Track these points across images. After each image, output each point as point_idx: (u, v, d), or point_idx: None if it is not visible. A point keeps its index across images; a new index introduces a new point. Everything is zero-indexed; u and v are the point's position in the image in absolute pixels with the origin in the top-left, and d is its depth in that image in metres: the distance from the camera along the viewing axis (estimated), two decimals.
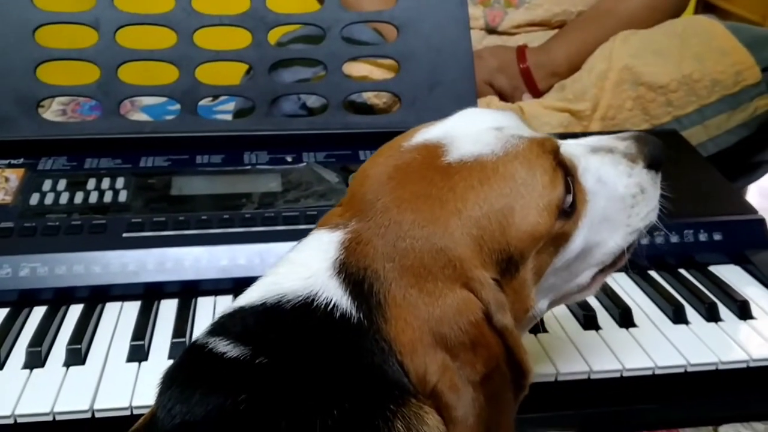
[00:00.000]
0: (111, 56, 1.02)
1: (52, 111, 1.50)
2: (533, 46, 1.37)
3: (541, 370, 0.75)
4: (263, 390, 0.47)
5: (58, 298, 0.81)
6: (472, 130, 0.56)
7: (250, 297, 0.53)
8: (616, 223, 0.61)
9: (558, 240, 0.56)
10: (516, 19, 1.41)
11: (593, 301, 0.85)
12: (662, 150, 0.65)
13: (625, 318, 0.82)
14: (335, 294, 0.51)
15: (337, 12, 1.07)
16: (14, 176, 0.94)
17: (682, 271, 0.93)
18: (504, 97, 1.33)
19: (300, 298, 0.51)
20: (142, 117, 1.50)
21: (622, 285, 0.90)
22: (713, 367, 0.76)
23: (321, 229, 0.55)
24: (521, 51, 1.35)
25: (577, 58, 1.33)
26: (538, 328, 0.80)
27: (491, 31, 1.43)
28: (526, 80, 1.35)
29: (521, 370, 0.54)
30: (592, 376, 0.75)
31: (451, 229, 0.51)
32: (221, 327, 0.52)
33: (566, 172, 0.57)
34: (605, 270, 0.64)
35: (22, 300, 0.81)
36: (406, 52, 1.08)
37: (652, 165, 0.63)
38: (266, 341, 0.49)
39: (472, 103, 1.08)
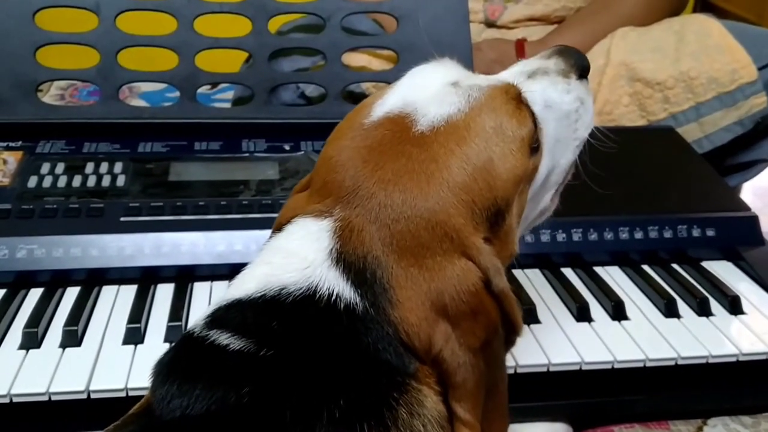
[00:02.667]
0: (111, 41, 1.02)
1: (51, 95, 1.49)
2: (532, 40, 1.38)
3: (533, 361, 0.75)
4: (269, 382, 0.47)
5: (55, 280, 0.82)
6: (430, 92, 0.56)
7: (246, 289, 0.52)
8: (565, 141, 0.63)
9: (531, 175, 0.58)
10: (515, 13, 1.42)
11: (586, 294, 0.86)
12: (585, 56, 0.66)
13: (617, 311, 0.83)
14: (337, 284, 0.51)
15: (337, 2, 1.07)
16: (12, 159, 0.94)
17: (675, 265, 0.93)
18: None
19: (301, 290, 0.50)
20: (141, 103, 1.50)
21: (615, 278, 0.91)
22: (704, 361, 0.77)
23: (304, 218, 0.54)
24: (520, 44, 1.35)
25: None
26: (531, 319, 0.81)
27: (490, 24, 1.43)
28: None
29: (513, 328, 0.55)
30: (584, 367, 0.76)
31: (443, 201, 0.51)
32: (220, 319, 0.51)
33: (529, 108, 0.58)
34: (559, 187, 0.67)
35: (18, 281, 0.81)
36: (405, 43, 1.09)
37: (582, 74, 0.65)
38: (270, 334, 0.49)
39: None
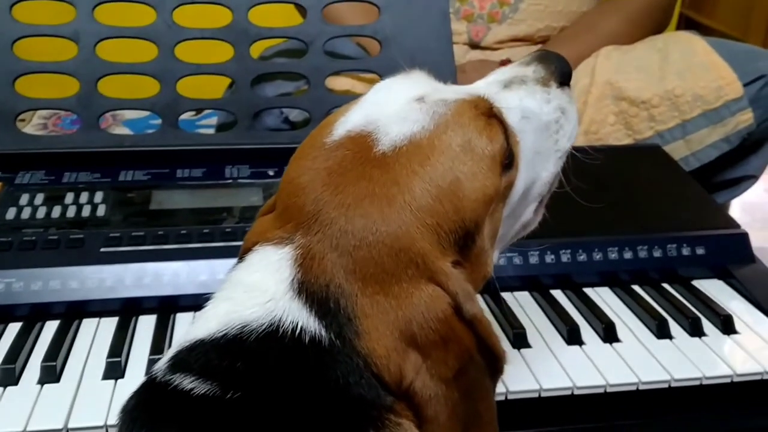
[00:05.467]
0: (91, 69, 1.01)
1: (33, 125, 1.48)
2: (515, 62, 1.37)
3: (524, 386, 0.74)
4: (238, 426, 0.45)
5: (33, 314, 0.79)
6: (393, 109, 0.53)
7: (207, 328, 0.50)
8: (546, 153, 0.60)
9: (505, 192, 0.56)
10: (499, 34, 1.42)
11: (577, 316, 0.85)
12: (567, 62, 0.63)
13: (608, 333, 0.82)
14: (300, 317, 0.48)
15: (319, 26, 1.06)
16: None
17: (666, 285, 0.92)
18: None
19: (264, 326, 0.48)
20: (124, 131, 1.49)
21: (606, 300, 0.89)
22: (697, 383, 0.76)
23: (265, 246, 0.52)
24: (504, 65, 1.35)
25: None
26: (522, 343, 0.80)
27: (474, 45, 1.43)
28: None
29: (494, 355, 0.52)
30: (576, 392, 0.74)
31: (406, 225, 0.49)
32: (182, 362, 0.49)
33: (501, 122, 0.55)
34: (543, 199, 0.64)
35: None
36: (388, 66, 1.08)
37: (564, 82, 0.62)
38: (235, 375, 0.47)
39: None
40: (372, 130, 0.52)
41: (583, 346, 0.80)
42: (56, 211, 0.89)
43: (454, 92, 0.56)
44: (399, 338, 0.48)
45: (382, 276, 0.48)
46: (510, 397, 0.73)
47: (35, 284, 0.80)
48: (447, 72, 1.09)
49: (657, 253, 0.93)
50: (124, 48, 1.04)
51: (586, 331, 0.83)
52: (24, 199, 0.91)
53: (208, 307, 0.52)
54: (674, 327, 0.83)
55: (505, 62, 1.35)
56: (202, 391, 0.46)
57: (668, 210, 1.02)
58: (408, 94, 0.55)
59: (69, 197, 0.92)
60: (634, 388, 0.75)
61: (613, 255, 0.93)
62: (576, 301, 0.89)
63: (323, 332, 0.48)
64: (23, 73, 0.99)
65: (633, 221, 0.98)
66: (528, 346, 0.80)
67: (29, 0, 0.99)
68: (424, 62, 1.09)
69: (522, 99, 0.59)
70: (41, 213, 0.89)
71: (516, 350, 0.79)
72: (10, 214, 0.88)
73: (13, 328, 0.78)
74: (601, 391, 0.75)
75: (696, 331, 0.83)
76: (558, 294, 0.90)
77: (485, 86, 0.60)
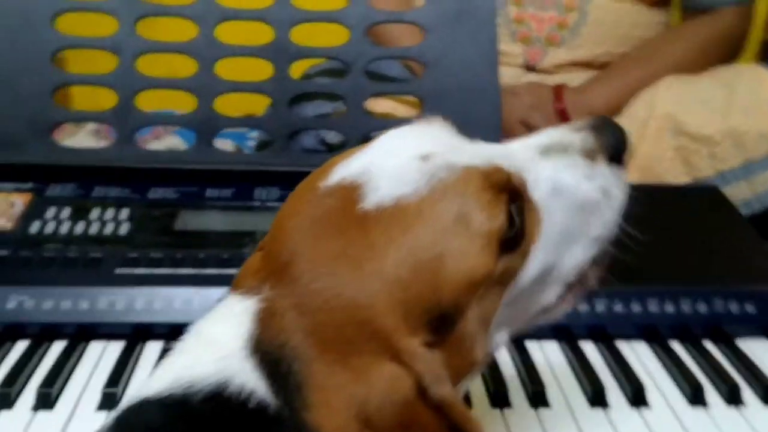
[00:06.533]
0: (129, 82, 1.00)
1: (87, 131, 1.50)
2: (572, 87, 1.31)
3: None
4: None
5: (42, 334, 0.79)
6: (392, 163, 0.49)
7: (158, 384, 0.46)
8: (575, 236, 0.54)
9: (505, 277, 0.50)
10: (557, 57, 1.36)
11: (605, 373, 0.79)
12: (625, 135, 0.56)
13: (637, 396, 0.76)
14: (250, 379, 0.45)
15: (361, 46, 1.03)
16: (20, 201, 0.93)
17: (707, 343, 0.85)
18: None
19: (211, 386, 0.45)
20: (176, 139, 1.49)
21: (640, 355, 0.83)
22: None
23: (235, 294, 0.49)
24: (558, 90, 1.29)
25: (617, 102, 1.27)
26: (540, 400, 0.75)
27: (530, 68, 1.38)
28: (561, 121, 1.29)
29: None
30: None
31: (372, 296, 0.45)
32: (125, 423, 0.46)
33: (513, 197, 0.50)
34: (574, 288, 0.57)
35: (4, 335, 0.78)
36: (430, 89, 1.04)
37: (614, 157, 0.55)
38: None
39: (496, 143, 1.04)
40: (363, 183, 0.48)
41: (607, 409, 0.74)
42: (79, 227, 0.89)
43: (470, 155, 0.50)
44: (354, 418, 0.43)
45: (342, 345, 0.44)
46: None
47: (47, 303, 0.79)
48: (492, 96, 1.04)
49: (701, 308, 0.86)
50: (164, 62, 1.03)
51: (613, 392, 0.77)
52: (50, 212, 0.91)
53: (166, 360, 0.49)
54: (710, 392, 0.77)
55: (558, 87, 1.30)
56: None
57: (719, 260, 0.95)
58: (415, 149, 0.50)
59: (95, 213, 0.91)
60: None
61: (653, 307, 0.86)
62: (607, 355, 0.83)
63: (271, 399, 0.44)
64: (62, 85, 0.99)
65: (678, 270, 0.91)
66: (547, 405, 0.75)
67: (71, 11, 0.99)
68: (469, 86, 1.07)
69: (558, 171, 0.53)
70: (65, 228, 0.88)
71: (532, 408, 0.74)
72: (34, 227, 0.88)
73: (21, 347, 0.77)
74: None
75: (734, 399, 0.76)
76: (588, 346, 0.84)
77: (520, 149, 0.54)
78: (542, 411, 0.74)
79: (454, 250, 0.46)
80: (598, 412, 0.74)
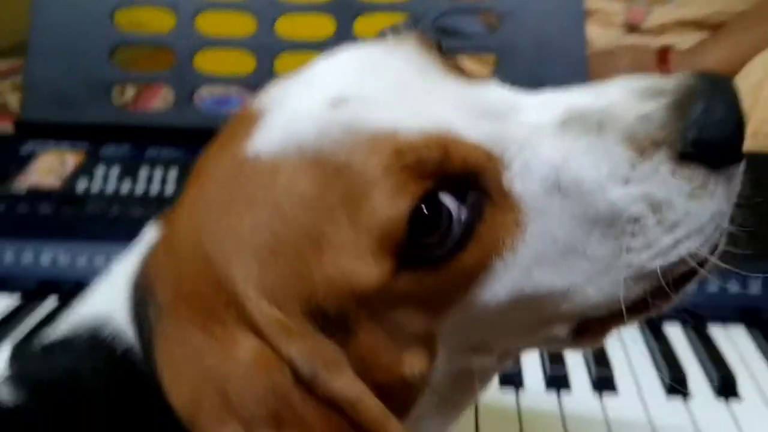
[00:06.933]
0: (187, 42, 0.96)
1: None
2: (680, 50, 1.18)
3: None
4: None
5: (74, 291, 0.75)
6: (297, 102, 0.38)
7: (56, 326, 0.42)
8: (598, 261, 0.38)
9: (431, 295, 0.37)
10: (663, 16, 1.22)
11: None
12: (732, 117, 0.35)
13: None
14: (123, 321, 0.39)
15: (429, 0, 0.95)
16: (72, 161, 0.91)
17: None
18: None
19: (90, 327, 0.39)
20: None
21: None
22: None
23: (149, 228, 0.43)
24: (663, 53, 1.16)
25: (731, 66, 1.12)
26: (729, 391, 0.64)
27: (632, 29, 1.24)
28: None
29: None
30: None
31: (229, 254, 0.36)
32: (20, 365, 0.42)
33: (457, 184, 0.36)
34: (607, 322, 0.40)
35: (38, 289, 0.76)
36: (507, 44, 0.94)
37: (699, 154, 0.36)
38: (42, 386, 0.39)
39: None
40: (259, 118, 0.39)
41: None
42: (126, 187, 0.85)
43: (405, 112, 0.36)
44: (212, 394, 0.35)
45: (200, 304, 0.36)
46: None
47: (80, 260, 0.76)
48: (575, 54, 0.93)
49: None
50: (222, 21, 0.99)
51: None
52: (99, 171, 0.88)
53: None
54: None
55: (663, 50, 1.16)
56: (7, 402, 0.38)
57: None
58: (335, 86, 0.38)
59: (144, 173, 0.88)
60: None
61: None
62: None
63: (136, 346, 0.38)
64: (120, 44, 0.97)
65: None
66: (736, 395, 0.64)
67: None
68: (549, 42, 0.96)
69: (569, 157, 0.37)
70: (111, 188, 0.85)
71: (722, 398, 0.64)
72: (81, 186, 0.86)
73: (51, 303, 0.75)
74: None
75: None
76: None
77: (527, 111, 0.38)
78: (733, 403, 0.64)
79: (332, 243, 0.35)
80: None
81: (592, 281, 0.38)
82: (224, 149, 0.39)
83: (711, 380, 0.65)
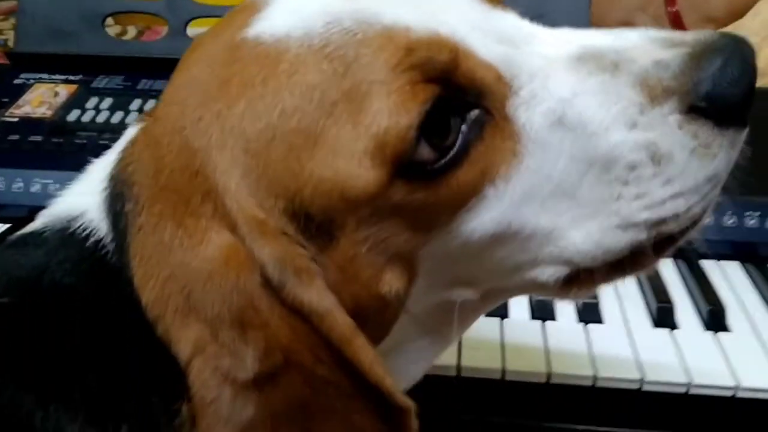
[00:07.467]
0: None
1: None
2: None
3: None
4: None
5: None
6: None
7: (42, 217, 0.41)
8: (587, 204, 0.37)
9: (421, 213, 0.35)
10: None
11: None
12: (746, 79, 0.35)
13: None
14: (97, 214, 0.38)
15: None
16: (65, 92, 0.90)
17: None
18: None
19: (63, 221, 0.39)
20: None
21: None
22: None
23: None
24: None
25: (744, 6, 1.09)
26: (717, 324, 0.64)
27: None
28: (674, 26, 1.12)
29: (383, 396, 0.35)
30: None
31: (213, 141, 0.34)
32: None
33: (462, 99, 0.35)
34: (593, 276, 0.39)
35: (28, 218, 0.76)
36: None
37: (709, 109, 0.35)
38: (11, 280, 0.38)
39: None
40: (262, 5, 0.37)
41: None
42: (117, 117, 0.85)
43: (424, 14, 0.35)
44: (178, 291, 0.34)
45: (177, 196, 0.35)
46: (693, 391, 0.58)
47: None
48: None
49: None
50: None
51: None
52: (91, 102, 0.87)
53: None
54: None
55: None
56: None
57: None
58: None
59: (135, 104, 0.87)
60: None
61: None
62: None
63: (108, 240, 0.37)
64: None
65: None
66: (725, 329, 0.64)
67: None
68: None
69: (578, 92, 0.36)
70: (102, 118, 0.85)
71: (711, 332, 0.63)
72: (72, 116, 0.85)
73: None
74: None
75: None
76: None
77: (544, 42, 0.37)
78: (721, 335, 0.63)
79: (329, 140, 0.33)
80: None
81: (578, 225, 0.37)
82: (218, 36, 0.38)
83: (700, 313, 0.64)
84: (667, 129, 0.36)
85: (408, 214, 0.35)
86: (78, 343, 0.35)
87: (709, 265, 0.70)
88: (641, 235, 0.37)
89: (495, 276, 0.40)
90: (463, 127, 0.35)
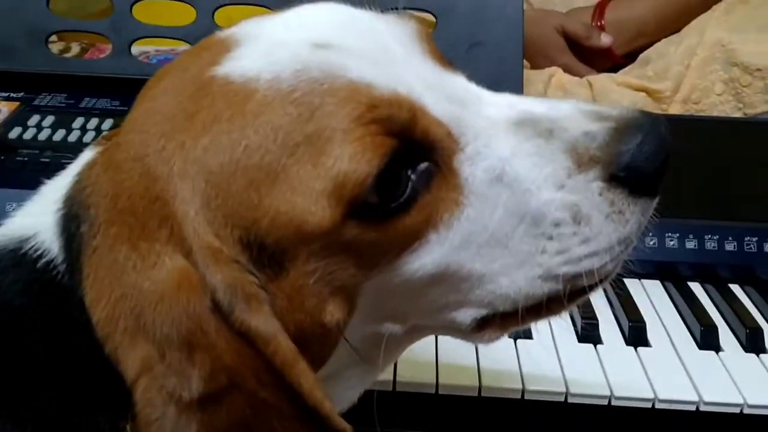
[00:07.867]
0: None
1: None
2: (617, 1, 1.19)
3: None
4: None
5: None
6: (278, 36, 0.40)
7: None
8: (516, 254, 0.41)
9: (368, 251, 0.38)
10: None
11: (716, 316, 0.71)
12: (664, 156, 0.40)
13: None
14: (49, 235, 0.39)
15: None
16: (6, 109, 0.90)
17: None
18: (569, 70, 1.15)
19: (14, 242, 0.40)
20: None
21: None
22: None
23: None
24: (601, 6, 1.17)
25: (667, 20, 1.13)
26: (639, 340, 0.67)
27: None
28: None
29: (321, 419, 0.37)
30: (702, 408, 0.61)
31: (172, 170, 0.37)
32: None
33: (415, 153, 0.38)
34: (507, 320, 0.43)
35: None
36: (446, 4, 0.95)
37: (626, 179, 0.40)
38: None
39: (516, 67, 0.94)
40: (233, 45, 0.40)
41: (719, 353, 0.67)
42: (59, 135, 0.85)
43: (387, 73, 0.38)
44: (129, 312, 0.36)
45: (134, 219, 0.37)
46: (615, 402, 0.61)
47: (9, 206, 0.75)
48: (513, 14, 0.95)
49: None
50: None
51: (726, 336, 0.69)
52: (33, 120, 0.87)
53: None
54: None
55: (602, 5, 1.17)
56: None
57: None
58: (324, 33, 0.40)
59: (78, 122, 0.88)
60: None
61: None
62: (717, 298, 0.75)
63: (60, 261, 0.39)
64: None
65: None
66: (647, 344, 0.67)
67: None
68: (487, 2, 0.97)
69: (516, 154, 0.40)
70: (44, 135, 0.85)
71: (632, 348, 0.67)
72: (14, 133, 0.85)
73: None
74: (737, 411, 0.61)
75: None
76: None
77: (489, 104, 0.41)
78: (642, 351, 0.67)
79: (289, 178, 0.36)
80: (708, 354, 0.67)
81: (507, 273, 0.41)
82: (185, 70, 0.40)
83: (622, 329, 0.68)
84: (589, 194, 0.40)
85: (356, 251, 0.38)
86: (27, 362, 0.37)
87: (631, 283, 0.74)
88: (559, 286, 0.42)
89: (424, 314, 0.44)
90: (413, 177, 0.38)
